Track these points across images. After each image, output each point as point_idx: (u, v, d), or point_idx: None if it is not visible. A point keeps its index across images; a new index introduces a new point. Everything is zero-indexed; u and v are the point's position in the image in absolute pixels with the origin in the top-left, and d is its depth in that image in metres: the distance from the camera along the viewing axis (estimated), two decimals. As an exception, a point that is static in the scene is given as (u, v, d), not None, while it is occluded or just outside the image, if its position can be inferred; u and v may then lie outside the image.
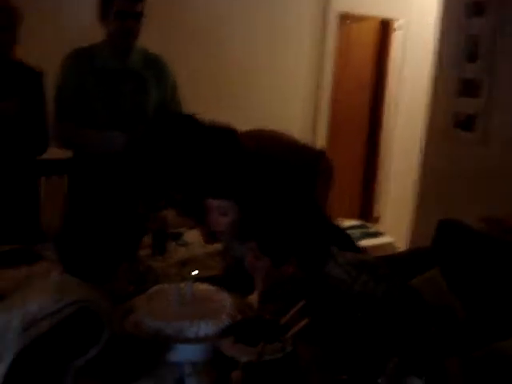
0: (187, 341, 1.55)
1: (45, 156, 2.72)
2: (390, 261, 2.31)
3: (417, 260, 2.61)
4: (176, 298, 1.69)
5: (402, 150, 5.12)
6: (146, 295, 1.73)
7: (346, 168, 4.88)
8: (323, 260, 1.69)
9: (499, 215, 3.09)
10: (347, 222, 4.74)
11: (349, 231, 2.34)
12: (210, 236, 2.31)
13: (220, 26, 4.11)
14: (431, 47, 3.98)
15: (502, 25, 3.37)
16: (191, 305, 1.68)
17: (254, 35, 4.27)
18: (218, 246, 2.33)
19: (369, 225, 5.11)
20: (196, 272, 1.85)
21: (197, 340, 1.55)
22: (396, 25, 4.99)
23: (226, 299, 1.72)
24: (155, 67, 2.79)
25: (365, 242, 4.29)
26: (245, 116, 2.40)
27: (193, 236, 2.50)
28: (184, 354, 1.51)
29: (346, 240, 2.00)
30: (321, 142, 4.62)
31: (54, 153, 2.76)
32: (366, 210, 5.49)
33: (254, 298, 1.79)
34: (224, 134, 2.13)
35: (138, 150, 2.24)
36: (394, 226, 4.95)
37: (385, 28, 5.11)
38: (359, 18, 4.96)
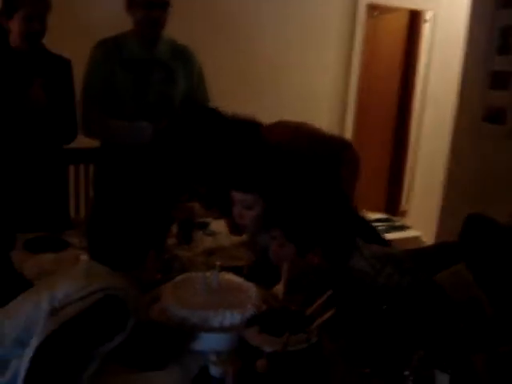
0: (212, 330, 1.56)
1: (72, 145, 2.74)
2: (416, 255, 2.29)
3: (443, 254, 2.59)
4: (202, 287, 1.70)
5: (430, 143, 5.06)
6: (172, 283, 1.74)
7: (373, 162, 4.84)
8: (349, 252, 1.69)
9: (529, 210, 3.04)
10: (373, 215, 4.71)
11: (374, 224, 2.33)
12: (235, 227, 2.32)
13: (251, 22, 4.10)
14: (460, 39, 3.92)
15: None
16: (217, 294, 1.69)
17: (285, 32, 4.24)
18: (243, 237, 2.34)
19: (395, 218, 5.07)
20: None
21: (222, 329, 1.56)
22: (427, 16, 4.92)
23: (251, 289, 1.72)
24: (183, 58, 2.78)
25: (391, 236, 4.26)
26: (273, 112, 2.39)
27: (220, 226, 2.51)
28: (209, 342, 1.52)
29: (371, 232, 1.99)
30: (348, 135, 4.59)
31: (82, 142, 2.78)
32: (393, 204, 5.43)
33: (279, 288, 1.79)
34: (248, 127, 2.13)
35: (163, 142, 2.25)
36: (420, 220, 4.91)
37: (414, 19, 5.05)
38: (388, 9, 4.91)
